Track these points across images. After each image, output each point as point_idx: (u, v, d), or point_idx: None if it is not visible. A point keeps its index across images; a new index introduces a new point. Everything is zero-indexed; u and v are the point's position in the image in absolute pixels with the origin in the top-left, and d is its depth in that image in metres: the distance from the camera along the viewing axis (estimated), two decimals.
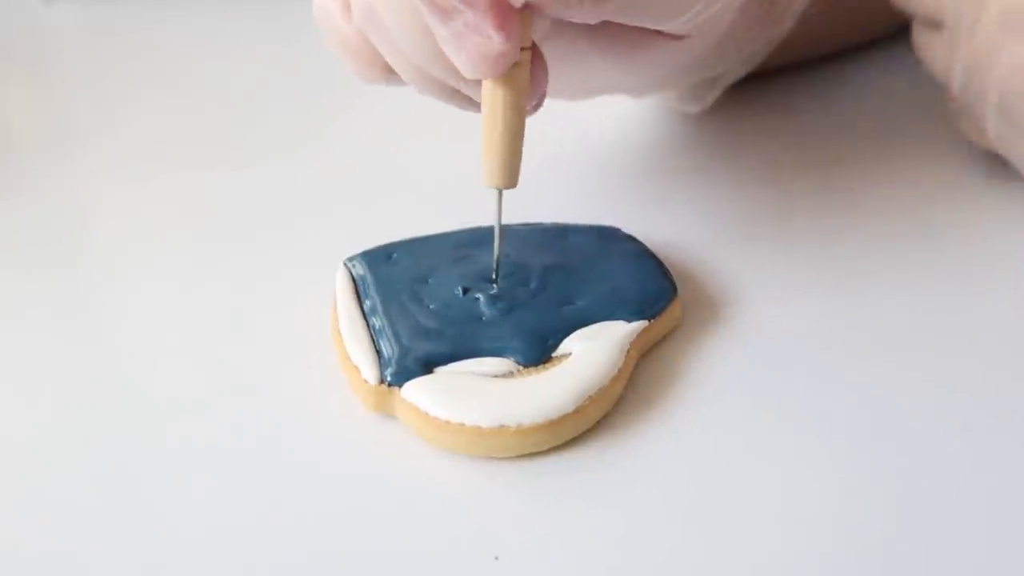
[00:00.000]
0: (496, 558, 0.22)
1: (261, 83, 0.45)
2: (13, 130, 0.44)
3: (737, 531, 0.22)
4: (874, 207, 0.33)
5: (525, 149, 0.25)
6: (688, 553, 0.22)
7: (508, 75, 0.24)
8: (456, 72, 0.25)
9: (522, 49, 0.23)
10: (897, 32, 0.44)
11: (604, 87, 0.31)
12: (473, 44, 0.23)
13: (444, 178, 0.35)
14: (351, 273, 0.29)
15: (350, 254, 0.30)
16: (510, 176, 0.25)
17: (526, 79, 0.24)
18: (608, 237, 0.30)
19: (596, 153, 0.37)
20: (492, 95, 0.24)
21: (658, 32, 0.26)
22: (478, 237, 0.29)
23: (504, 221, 0.27)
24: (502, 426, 0.24)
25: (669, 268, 0.29)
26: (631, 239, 0.30)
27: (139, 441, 0.25)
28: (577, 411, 0.24)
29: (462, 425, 0.24)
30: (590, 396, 0.25)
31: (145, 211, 0.36)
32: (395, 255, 0.29)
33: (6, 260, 0.33)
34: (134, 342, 0.29)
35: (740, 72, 0.34)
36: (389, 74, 0.27)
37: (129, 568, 0.22)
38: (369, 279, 0.28)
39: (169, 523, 0.23)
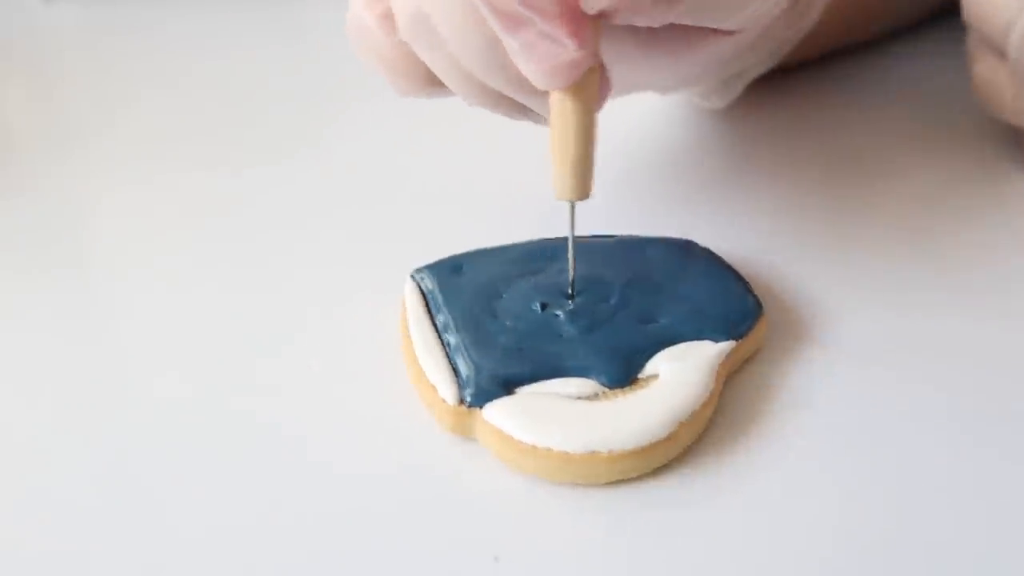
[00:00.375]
0: (496, 558, 0.22)
1: (262, 83, 0.45)
2: (13, 130, 0.44)
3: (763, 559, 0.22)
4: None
5: None
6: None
7: (579, 83, 0.23)
8: (517, 82, 0.24)
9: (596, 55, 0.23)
10: (919, 24, 0.44)
11: (636, 86, 0.31)
12: (546, 54, 0.22)
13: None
14: (420, 286, 0.28)
15: (404, 263, 0.29)
16: (584, 187, 0.24)
17: (596, 86, 0.23)
18: (685, 250, 0.29)
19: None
20: (562, 105, 0.23)
21: (713, 30, 0.26)
22: (549, 249, 0.28)
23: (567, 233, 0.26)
24: (593, 452, 0.23)
25: (752, 285, 0.28)
26: (709, 252, 0.29)
27: (137, 443, 0.25)
28: (669, 437, 0.23)
29: (549, 450, 0.23)
30: (681, 421, 0.24)
31: (145, 211, 0.36)
32: (461, 267, 0.28)
33: (6, 260, 0.33)
34: (135, 343, 0.29)
35: (766, 66, 0.34)
36: (431, 86, 0.27)
37: (134, 571, 0.22)
38: (437, 292, 0.27)
39: (170, 522, 0.23)
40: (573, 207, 0.25)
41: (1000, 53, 0.33)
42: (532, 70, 0.23)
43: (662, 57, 0.27)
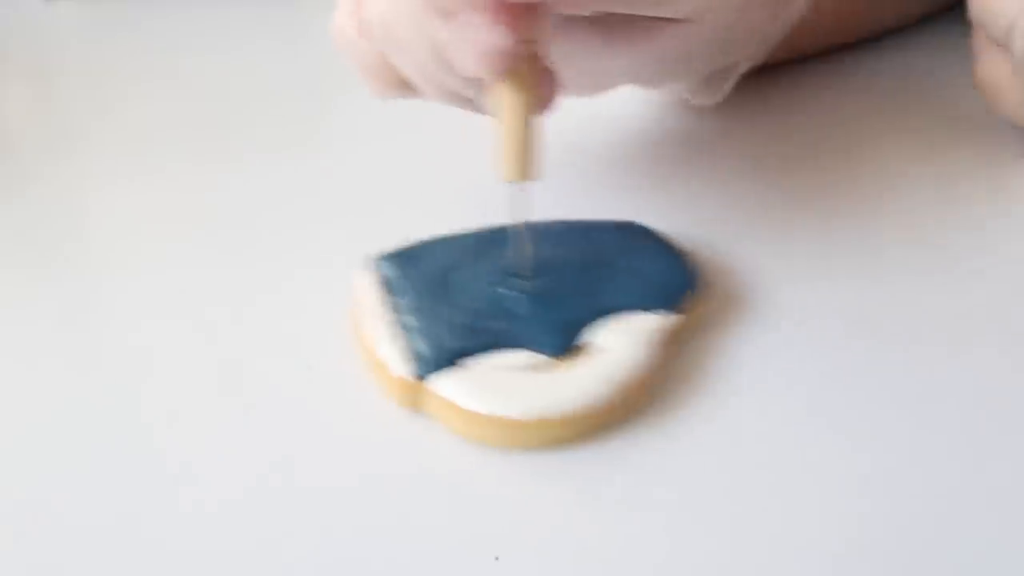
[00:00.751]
0: (496, 558, 0.22)
1: (263, 82, 0.45)
2: (13, 130, 0.44)
3: (739, 530, 0.22)
4: (900, 194, 0.33)
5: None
6: (693, 552, 0.22)
7: (515, 72, 0.24)
8: (464, 79, 0.25)
9: (526, 43, 0.23)
10: (906, 25, 0.44)
11: (616, 80, 0.31)
12: (475, 42, 0.23)
13: (452, 178, 0.35)
14: (376, 273, 0.29)
15: (360, 253, 0.29)
16: (525, 171, 0.25)
17: (535, 75, 0.24)
18: (629, 232, 0.30)
19: (608, 149, 0.37)
20: (500, 94, 0.24)
21: (666, 19, 0.26)
22: (499, 235, 0.29)
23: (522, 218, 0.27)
24: (541, 418, 0.24)
25: (692, 261, 0.29)
26: (652, 233, 0.30)
27: (138, 444, 0.25)
28: (618, 402, 0.24)
29: (500, 417, 0.24)
30: (623, 386, 0.25)
31: (146, 211, 0.36)
32: (419, 254, 0.29)
33: (6, 260, 0.33)
34: (136, 343, 0.29)
35: (753, 60, 0.34)
36: (405, 89, 0.28)
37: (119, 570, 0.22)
38: (395, 278, 0.28)
39: (150, 517, 0.23)
40: (526, 192, 0.26)
41: (1005, 52, 0.33)
42: (464, 59, 0.24)
43: (622, 47, 0.28)
